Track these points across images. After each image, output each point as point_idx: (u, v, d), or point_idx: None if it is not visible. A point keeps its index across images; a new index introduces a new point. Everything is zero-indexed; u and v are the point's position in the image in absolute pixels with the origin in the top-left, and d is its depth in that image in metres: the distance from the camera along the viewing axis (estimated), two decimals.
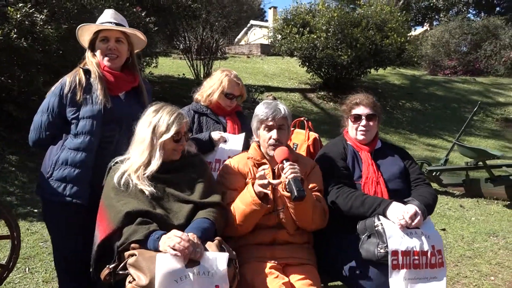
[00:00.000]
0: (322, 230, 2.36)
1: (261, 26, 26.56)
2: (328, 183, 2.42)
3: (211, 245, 1.91)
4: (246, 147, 2.67)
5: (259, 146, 2.42)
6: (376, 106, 2.60)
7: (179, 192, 2.11)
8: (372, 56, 11.88)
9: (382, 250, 2.09)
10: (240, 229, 2.22)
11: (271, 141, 2.30)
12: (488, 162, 6.41)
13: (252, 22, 26.00)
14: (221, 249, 1.94)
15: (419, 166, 6.00)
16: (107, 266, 1.88)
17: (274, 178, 2.29)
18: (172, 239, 1.81)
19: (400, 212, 2.17)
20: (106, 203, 2.06)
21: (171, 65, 14.74)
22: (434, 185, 6.51)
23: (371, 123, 2.55)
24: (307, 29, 11.87)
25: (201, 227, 1.98)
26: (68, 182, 2.27)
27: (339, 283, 2.56)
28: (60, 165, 2.28)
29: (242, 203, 2.17)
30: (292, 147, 2.95)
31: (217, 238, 1.99)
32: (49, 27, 5.42)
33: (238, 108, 3.07)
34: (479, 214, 5.75)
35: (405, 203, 2.25)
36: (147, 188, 2.04)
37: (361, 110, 2.56)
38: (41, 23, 5.35)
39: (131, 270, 1.80)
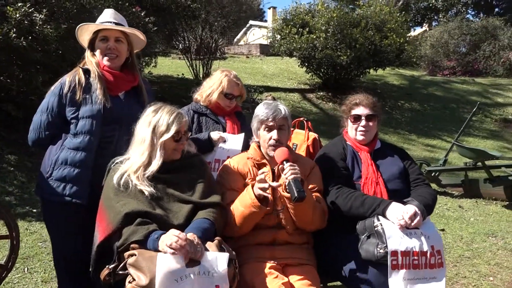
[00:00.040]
0: (322, 230, 2.36)
1: (260, 26, 26.59)
2: (328, 183, 2.42)
3: (211, 245, 1.91)
4: (245, 147, 2.67)
5: (259, 147, 2.42)
6: (376, 106, 2.60)
7: (179, 192, 2.10)
8: (371, 56, 11.89)
9: (381, 250, 2.09)
10: (239, 230, 2.22)
11: (272, 142, 2.30)
12: (487, 162, 6.42)
13: (251, 22, 26.00)
14: (221, 249, 1.94)
15: (418, 166, 6.01)
16: (107, 266, 1.88)
17: (274, 178, 2.30)
18: (169, 237, 1.81)
19: (399, 213, 2.17)
20: (105, 204, 2.06)
21: (170, 65, 14.73)
22: (433, 186, 6.51)
23: (370, 124, 2.55)
24: (306, 29, 11.87)
25: (201, 227, 1.98)
26: (68, 181, 2.27)
27: (339, 283, 2.56)
28: (60, 164, 2.28)
29: (242, 205, 2.17)
30: (291, 147, 2.95)
31: (217, 238, 1.99)
32: (48, 26, 5.42)
33: (237, 108, 3.07)
34: (478, 214, 5.76)
35: (404, 203, 2.25)
36: (147, 189, 2.03)
37: (361, 110, 2.56)
38: (40, 23, 5.34)
39: (131, 270, 1.80)
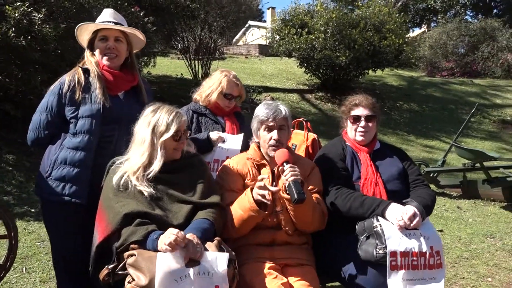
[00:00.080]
0: (321, 231, 2.36)
1: (259, 27, 26.58)
2: (327, 184, 2.42)
3: (210, 245, 1.92)
4: (245, 147, 2.67)
5: (258, 147, 2.42)
6: (375, 107, 2.60)
7: (178, 193, 2.10)
8: (370, 57, 11.90)
9: (380, 251, 2.09)
10: (237, 232, 2.22)
11: (272, 142, 2.30)
12: (486, 163, 6.43)
13: (250, 22, 26.00)
14: (220, 249, 1.94)
15: (418, 167, 6.02)
16: (106, 266, 1.88)
17: (273, 179, 2.29)
18: (167, 236, 1.81)
19: (399, 213, 2.17)
20: (104, 205, 2.06)
21: (169, 65, 14.72)
22: (432, 186, 6.51)
23: (370, 124, 2.55)
24: (305, 30, 11.87)
25: (201, 227, 1.97)
26: (67, 181, 2.26)
27: (338, 283, 2.56)
28: (59, 164, 2.27)
29: (240, 208, 2.16)
30: (291, 147, 2.95)
31: (217, 238, 1.99)
32: (47, 26, 5.40)
33: (236, 108, 3.07)
34: (476, 215, 5.77)
35: (403, 204, 2.25)
36: (146, 189, 2.03)
37: (360, 111, 2.56)
38: (39, 22, 5.33)
39: (130, 270, 1.80)
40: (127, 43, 2.45)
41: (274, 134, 2.30)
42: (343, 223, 2.34)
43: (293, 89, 13.59)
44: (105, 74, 2.35)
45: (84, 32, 2.43)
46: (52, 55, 5.78)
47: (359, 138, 2.56)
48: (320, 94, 13.11)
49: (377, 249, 2.10)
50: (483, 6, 29.84)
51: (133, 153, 2.12)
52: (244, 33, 27.76)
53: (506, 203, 6.25)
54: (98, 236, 2.01)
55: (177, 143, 2.14)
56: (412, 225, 2.14)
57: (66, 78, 2.32)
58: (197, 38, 12.24)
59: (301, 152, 2.91)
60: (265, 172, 2.35)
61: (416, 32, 27.51)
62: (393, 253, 2.07)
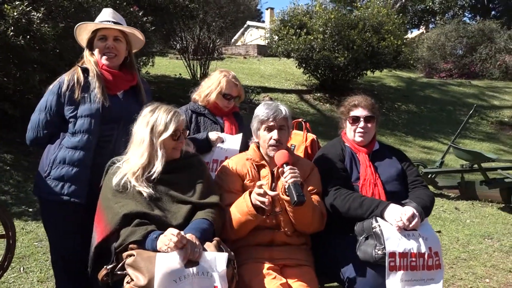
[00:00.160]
0: (320, 232, 2.36)
1: (258, 27, 26.60)
2: (326, 184, 2.42)
3: (209, 246, 1.91)
4: (244, 147, 2.67)
5: (258, 147, 2.41)
6: (375, 108, 2.60)
7: (177, 193, 2.10)
8: (369, 58, 11.91)
9: (379, 252, 2.09)
10: (235, 234, 2.22)
11: (272, 142, 2.30)
12: (483, 164, 6.44)
13: (249, 23, 25.99)
14: (219, 249, 1.94)
15: (416, 168, 6.03)
16: (105, 266, 1.87)
17: (273, 180, 2.29)
18: (167, 237, 1.81)
19: (397, 214, 2.17)
20: (103, 205, 2.05)
21: (168, 65, 14.71)
22: (430, 188, 6.52)
23: (369, 125, 2.55)
24: (304, 30, 11.88)
25: (200, 227, 1.97)
26: (66, 181, 2.26)
27: (336, 284, 2.56)
28: (58, 164, 2.27)
29: (238, 211, 2.16)
30: (290, 148, 2.95)
31: (216, 238, 1.99)
32: (46, 25, 5.39)
33: (235, 109, 3.07)
34: (474, 216, 5.78)
35: (402, 205, 2.25)
36: (145, 190, 2.03)
37: (360, 112, 2.56)
38: (38, 21, 5.31)
39: (129, 271, 1.79)
40: (126, 42, 2.45)
41: (274, 134, 2.30)
42: (342, 224, 2.35)
43: (291, 89, 13.60)
44: (104, 74, 2.35)
45: (83, 32, 2.43)
46: (51, 55, 5.76)
47: (358, 139, 2.56)
48: (318, 94, 13.12)
49: (376, 250, 2.10)
50: (481, 8, 29.92)
51: (132, 153, 2.12)
52: (242, 34, 27.76)
53: (503, 204, 6.26)
54: (97, 237, 2.00)
55: (176, 143, 2.14)
56: (411, 226, 2.14)
57: (65, 78, 2.32)
58: (195, 38, 12.24)
59: (300, 152, 2.91)
60: (265, 172, 2.34)
61: (414, 33, 27.58)
62: (392, 254, 2.07)
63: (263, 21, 29.30)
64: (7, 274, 3.17)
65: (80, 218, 2.26)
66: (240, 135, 2.79)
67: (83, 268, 2.07)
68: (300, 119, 3.19)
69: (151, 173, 2.06)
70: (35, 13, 5.32)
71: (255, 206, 2.10)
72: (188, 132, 2.51)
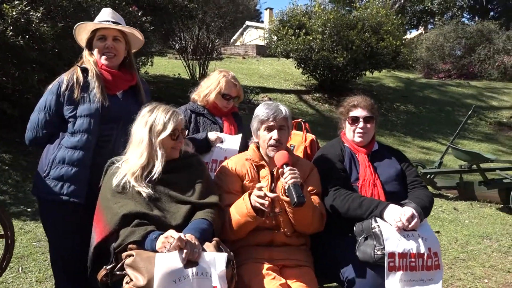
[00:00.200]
0: (319, 232, 2.36)
1: (257, 27, 26.58)
2: (326, 185, 2.42)
3: (209, 246, 1.91)
4: (243, 148, 2.66)
5: (258, 148, 2.41)
6: (374, 108, 2.60)
7: (177, 193, 2.10)
8: (368, 58, 11.92)
9: (379, 252, 2.09)
10: (235, 235, 2.21)
11: (272, 142, 2.30)
12: (482, 165, 6.46)
13: (248, 23, 25.98)
14: (219, 249, 1.93)
15: (415, 168, 6.04)
16: (104, 267, 1.87)
17: (272, 180, 2.29)
18: (167, 238, 1.80)
19: (397, 214, 2.17)
20: (103, 205, 2.05)
21: (167, 65, 14.70)
22: (428, 188, 6.53)
23: (368, 125, 2.55)
24: (303, 30, 11.88)
25: (199, 228, 1.97)
26: (66, 181, 2.26)
27: (336, 284, 2.56)
28: (57, 163, 2.27)
29: (237, 213, 2.16)
30: (289, 148, 2.95)
31: (215, 239, 1.99)
32: (45, 25, 5.38)
33: (234, 109, 3.07)
34: (472, 217, 5.79)
35: (401, 205, 2.26)
36: (145, 190, 2.03)
37: (359, 112, 2.56)
38: (37, 21, 5.31)
39: (128, 271, 1.79)
40: (125, 42, 2.45)
41: (274, 134, 2.30)
42: (342, 224, 2.35)
43: (290, 90, 13.60)
44: (103, 74, 2.35)
45: (82, 32, 2.43)
46: (50, 54, 5.76)
47: (358, 139, 2.56)
48: (317, 95, 13.12)
49: (375, 250, 2.10)
50: (480, 9, 29.98)
51: (131, 153, 2.11)
52: (241, 34, 27.76)
53: (502, 205, 6.28)
54: (96, 237, 2.00)
55: (175, 142, 2.14)
56: (410, 226, 2.15)
57: (64, 77, 2.32)
58: (194, 38, 12.23)
59: (299, 153, 2.91)
60: (264, 173, 2.34)
61: (413, 34, 27.61)
62: (391, 254, 2.07)
63: (262, 21, 29.29)
64: (5, 274, 3.16)
65: (79, 218, 2.25)
66: (239, 136, 2.79)
67: (83, 268, 2.07)
68: (299, 120, 3.19)
69: (152, 173, 2.06)
70: (34, 13, 5.31)
71: (254, 208, 2.09)
72: (187, 132, 2.51)
